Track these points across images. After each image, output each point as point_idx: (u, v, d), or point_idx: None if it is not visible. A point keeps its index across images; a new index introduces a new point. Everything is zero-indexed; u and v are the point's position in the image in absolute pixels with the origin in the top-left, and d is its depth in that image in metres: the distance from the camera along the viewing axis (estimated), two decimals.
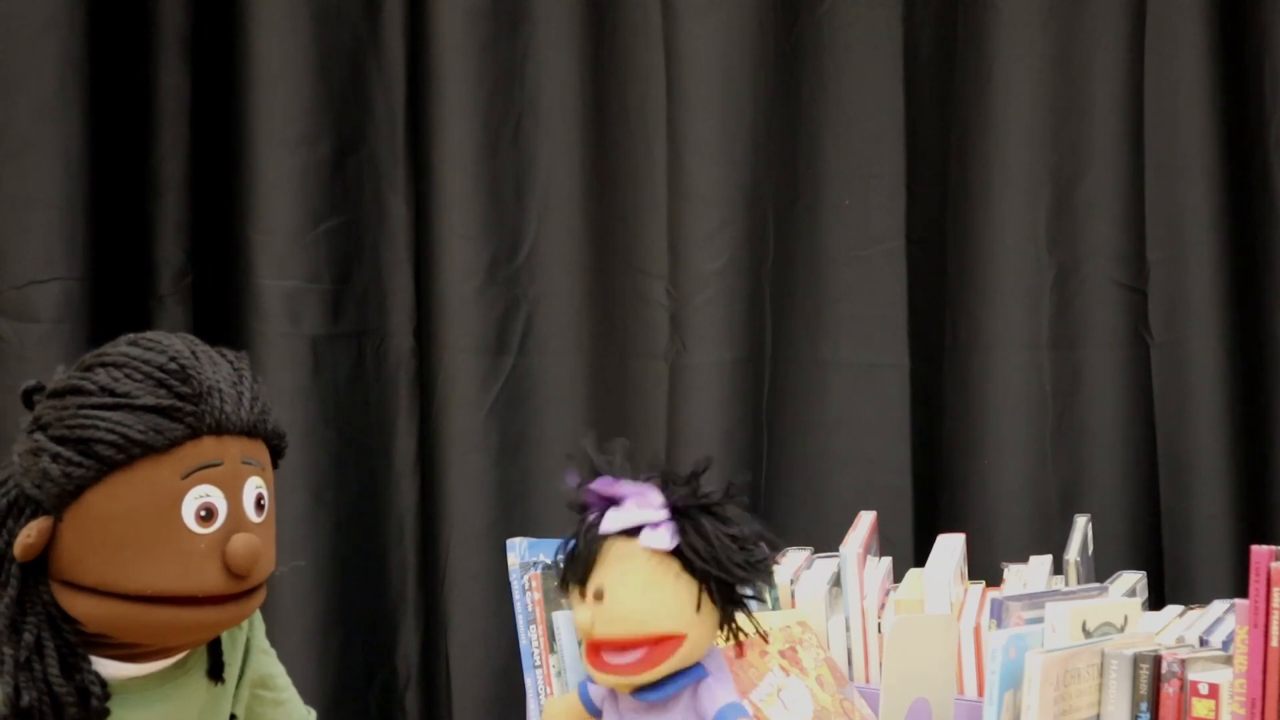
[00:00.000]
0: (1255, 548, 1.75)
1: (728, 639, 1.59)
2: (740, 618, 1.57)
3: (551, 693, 1.96)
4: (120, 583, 1.30)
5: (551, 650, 1.96)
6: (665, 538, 1.52)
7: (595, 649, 1.55)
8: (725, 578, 1.53)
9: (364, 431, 2.56)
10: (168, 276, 2.48)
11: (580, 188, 2.56)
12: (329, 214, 2.51)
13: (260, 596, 1.38)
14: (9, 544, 1.32)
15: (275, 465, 1.43)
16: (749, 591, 1.56)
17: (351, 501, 2.54)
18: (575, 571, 1.55)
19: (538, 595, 1.97)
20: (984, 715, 1.77)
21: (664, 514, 1.53)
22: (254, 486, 1.36)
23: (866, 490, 2.51)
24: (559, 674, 1.96)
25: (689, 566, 1.53)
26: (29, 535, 1.30)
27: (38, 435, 1.32)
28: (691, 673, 1.56)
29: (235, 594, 1.34)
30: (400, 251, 2.57)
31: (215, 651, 1.45)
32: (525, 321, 2.56)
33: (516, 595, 1.99)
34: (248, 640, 1.50)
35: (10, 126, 2.35)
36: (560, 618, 1.96)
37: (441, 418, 2.54)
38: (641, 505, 1.54)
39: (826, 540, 2.19)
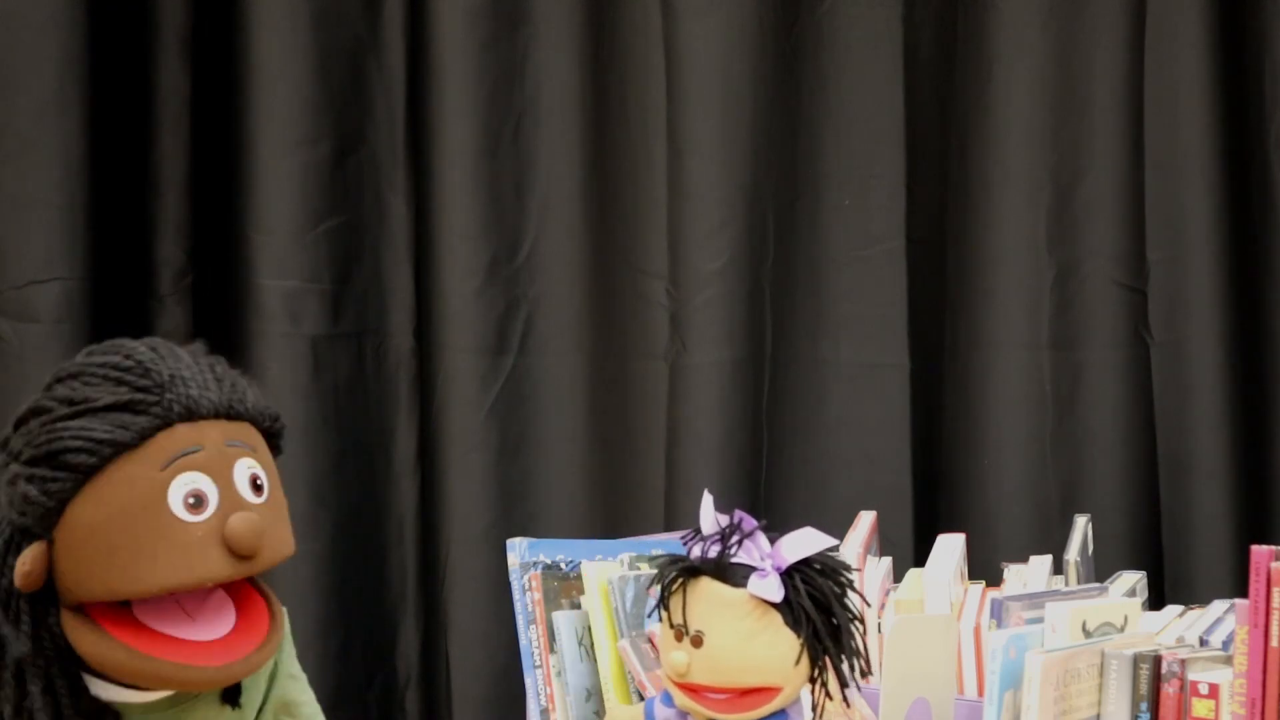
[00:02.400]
0: (1255, 548, 1.75)
1: (815, 696, 1.58)
2: (831, 674, 1.57)
3: (551, 693, 1.96)
4: (123, 587, 1.27)
5: (551, 650, 1.96)
6: (774, 589, 1.52)
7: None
8: (830, 640, 1.53)
9: (364, 431, 2.56)
10: (168, 276, 2.48)
11: (580, 188, 2.56)
12: (329, 214, 2.51)
13: (274, 643, 1.35)
14: (9, 586, 1.29)
15: (277, 449, 1.41)
16: (850, 651, 1.56)
17: (351, 501, 2.54)
18: (673, 609, 1.54)
19: (538, 595, 1.97)
20: (984, 715, 1.77)
21: (771, 562, 1.53)
22: (245, 467, 1.33)
23: (866, 490, 2.51)
24: (559, 674, 1.96)
25: (793, 620, 1.52)
26: (24, 563, 1.27)
27: (12, 466, 1.29)
28: (772, 717, 1.56)
29: (233, 661, 1.30)
30: (400, 251, 2.57)
31: None
32: (525, 321, 2.56)
33: (516, 595, 1.99)
34: (275, 665, 1.46)
35: (10, 126, 2.35)
36: (560, 618, 1.96)
37: (441, 418, 2.54)
38: (749, 551, 1.53)
39: None
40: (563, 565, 2.00)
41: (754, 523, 1.55)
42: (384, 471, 2.57)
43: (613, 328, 2.57)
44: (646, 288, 2.54)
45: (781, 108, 2.55)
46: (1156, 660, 1.77)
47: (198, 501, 1.29)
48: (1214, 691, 1.74)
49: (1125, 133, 2.49)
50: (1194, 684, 1.75)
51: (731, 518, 1.55)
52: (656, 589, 1.56)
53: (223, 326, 2.45)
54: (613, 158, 2.55)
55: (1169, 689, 1.76)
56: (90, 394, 1.28)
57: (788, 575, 1.52)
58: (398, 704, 2.58)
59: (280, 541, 1.35)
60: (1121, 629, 1.88)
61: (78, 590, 1.29)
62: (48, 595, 1.30)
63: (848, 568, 1.57)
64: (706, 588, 1.53)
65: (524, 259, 2.56)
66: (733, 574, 1.53)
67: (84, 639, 1.29)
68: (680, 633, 1.54)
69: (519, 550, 1.99)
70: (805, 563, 1.53)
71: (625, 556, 1.99)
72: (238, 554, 1.29)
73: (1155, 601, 2.26)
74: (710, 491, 1.57)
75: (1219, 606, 1.98)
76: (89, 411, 1.27)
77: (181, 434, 1.29)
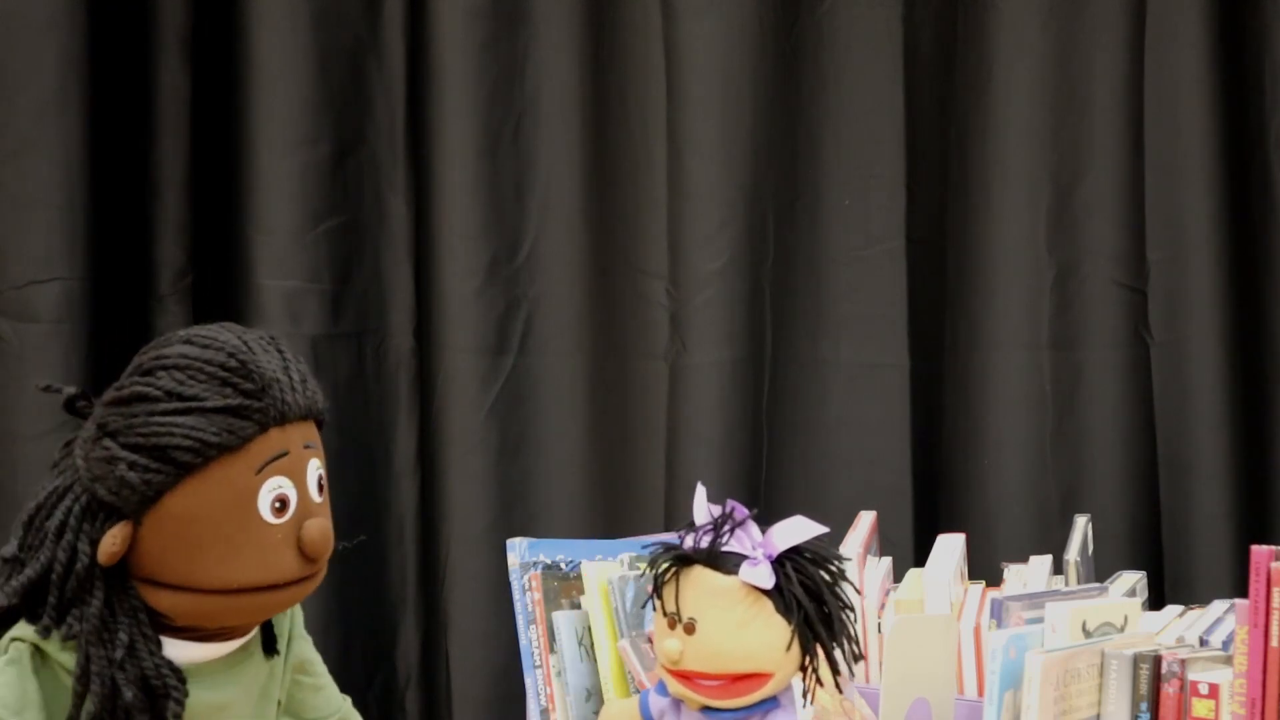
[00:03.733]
0: (1255, 548, 1.75)
1: (806, 683, 1.59)
2: (821, 660, 1.58)
3: (551, 693, 1.96)
4: (203, 580, 1.33)
5: (551, 650, 1.96)
6: (765, 576, 1.53)
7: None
8: (822, 626, 1.54)
9: (364, 431, 2.56)
10: (168, 276, 2.48)
11: (580, 188, 2.56)
12: (329, 214, 2.51)
13: (321, 573, 1.41)
14: (89, 548, 1.33)
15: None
16: (840, 638, 1.57)
17: (351, 501, 2.54)
18: (666, 598, 1.56)
19: (538, 595, 1.97)
20: (984, 715, 1.77)
21: (763, 551, 1.54)
22: (315, 469, 1.38)
23: (866, 490, 2.51)
24: (559, 674, 1.96)
25: (784, 607, 1.53)
26: (113, 543, 1.32)
27: (107, 443, 1.33)
28: (764, 703, 1.56)
29: (300, 579, 1.37)
30: (400, 251, 2.57)
31: (268, 628, 1.47)
32: (525, 321, 2.56)
33: (516, 595, 1.99)
34: (290, 625, 1.52)
35: (10, 126, 2.35)
36: (560, 618, 1.96)
37: (441, 418, 2.54)
38: (741, 540, 1.55)
39: (827, 540, 2.19)
40: (563, 565, 2.00)
41: (745, 512, 1.56)
42: (384, 471, 2.57)
43: (613, 328, 2.57)
44: (646, 288, 2.54)
45: (781, 108, 2.55)
46: (1156, 660, 1.77)
47: (282, 505, 1.35)
48: (1214, 691, 1.74)
49: (1125, 133, 2.49)
50: (1194, 684, 1.75)
51: (724, 507, 1.56)
52: (650, 578, 1.58)
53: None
54: (613, 158, 2.55)
55: (1169, 689, 1.76)
56: (199, 392, 1.32)
57: (779, 563, 1.54)
58: (398, 704, 2.58)
59: (332, 539, 1.42)
60: (1121, 629, 1.88)
61: (153, 570, 1.34)
62: (119, 564, 1.35)
63: (838, 556, 1.60)
64: (699, 576, 1.55)
65: (524, 259, 2.56)
66: (725, 562, 1.54)
67: (163, 598, 1.34)
68: (673, 621, 1.55)
69: (519, 550, 1.99)
70: (796, 551, 1.55)
71: (625, 556, 1.99)
72: (309, 557, 1.36)
73: (1155, 601, 2.26)
74: (711, 491, 1.58)
75: (1219, 606, 1.98)
76: (198, 411, 1.32)
77: (274, 439, 1.35)
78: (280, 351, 1.39)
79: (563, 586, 1.99)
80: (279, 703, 1.50)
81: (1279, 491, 2.45)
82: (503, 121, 2.54)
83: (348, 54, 2.53)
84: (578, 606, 1.98)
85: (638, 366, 2.55)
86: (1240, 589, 1.81)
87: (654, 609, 1.59)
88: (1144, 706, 1.77)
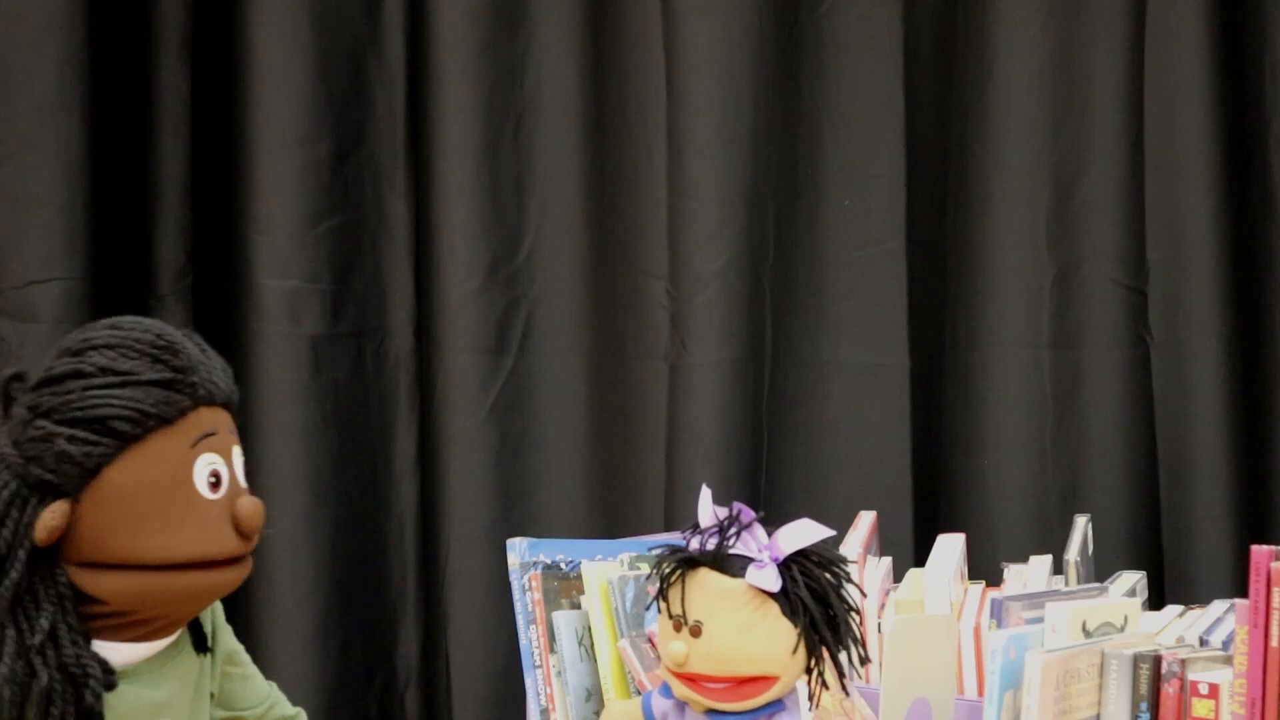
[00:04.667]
0: (1255, 548, 1.75)
1: (812, 686, 1.60)
2: (827, 664, 1.58)
3: (551, 693, 1.96)
4: (145, 554, 1.35)
5: (551, 650, 1.97)
6: (771, 579, 1.53)
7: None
8: (828, 630, 1.54)
9: (364, 431, 2.56)
10: (168, 276, 2.48)
11: (580, 188, 2.56)
12: (329, 214, 2.51)
13: (251, 561, 1.43)
14: (14, 534, 1.34)
15: None
16: (846, 641, 1.57)
17: (351, 501, 2.54)
18: (671, 600, 1.56)
19: (538, 595, 1.97)
20: (984, 715, 1.77)
21: (769, 554, 1.54)
22: (238, 455, 1.42)
23: (866, 490, 2.51)
24: (559, 674, 1.96)
25: (790, 610, 1.53)
26: (53, 518, 1.33)
27: (40, 422, 1.35)
28: (769, 706, 1.56)
29: (242, 556, 1.40)
30: (400, 251, 2.57)
31: (197, 625, 1.49)
32: (525, 321, 2.56)
33: (516, 595, 1.99)
34: (213, 618, 1.53)
35: (10, 126, 2.35)
36: (560, 618, 1.96)
37: (441, 418, 2.54)
38: (747, 543, 1.55)
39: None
40: (563, 565, 2.00)
41: (752, 514, 1.56)
42: (384, 471, 2.58)
43: (613, 328, 2.57)
44: (646, 288, 2.54)
45: (781, 108, 2.55)
46: (1156, 660, 1.77)
47: (216, 480, 1.38)
48: (1214, 691, 1.74)
49: (1125, 133, 2.49)
50: (1194, 684, 1.75)
51: (730, 509, 1.56)
52: (655, 580, 1.57)
53: (223, 326, 2.45)
54: (613, 158, 2.55)
55: (1169, 689, 1.76)
56: (132, 367, 1.36)
57: (785, 566, 1.54)
58: (398, 704, 2.58)
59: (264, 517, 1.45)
60: (1121, 629, 1.88)
61: (92, 550, 1.35)
62: (49, 550, 1.35)
63: (844, 559, 1.59)
64: (705, 578, 1.55)
65: (524, 259, 2.56)
66: (731, 565, 1.54)
67: (103, 581, 1.36)
68: (679, 623, 1.55)
69: (519, 550, 1.99)
70: (802, 554, 1.55)
71: (625, 556, 1.99)
72: (244, 533, 1.39)
73: (1155, 601, 2.26)
74: (711, 491, 1.58)
75: (1219, 606, 1.98)
76: (134, 384, 1.35)
77: (204, 417, 1.38)
78: (197, 343, 1.42)
79: (563, 586, 1.99)
80: (211, 695, 1.52)
81: (1279, 491, 2.45)
82: (503, 121, 2.54)
83: (348, 54, 2.53)
84: (578, 606, 1.98)
85: (638, 366, 2.55)
86: (1240, 589, 1.81)
87: (659, 611, 1.59)
88: (1144, 706, 1.77)
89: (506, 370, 2.55)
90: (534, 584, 1.97)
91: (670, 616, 1.56)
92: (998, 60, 2.49)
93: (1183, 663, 1.76)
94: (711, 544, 1.55)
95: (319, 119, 2.50)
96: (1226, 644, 1.83)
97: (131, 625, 1.38)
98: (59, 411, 1.34)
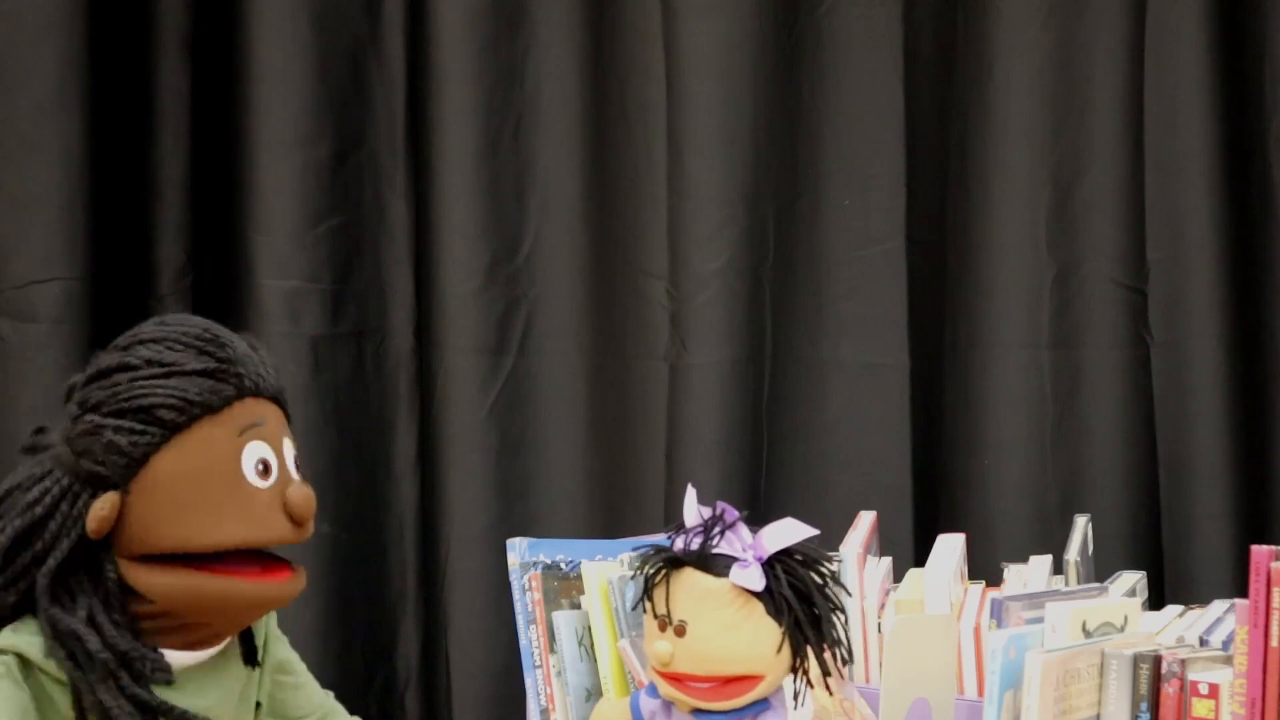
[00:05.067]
0: (1255, 548, 1.75)
1: (797, 683, 1.60)
2: (812, 662, 1.58)
3: (551, 693, 1.96)
4: (196, 540, 1.36)
5: (551, 650, 1.97)
6: (756, 578, 1.53)
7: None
8: (812, 629, 1.54)
9: (364, 431, 2.56)
10: (168, 276, 2.48)
11: (580, 188, 2.56)
12: (329, 214, 2.51)
13: (303, 578, 1.44)
14: (61, 527, 1.35)
15: None
16: (832, 639, 1.57)
17: (351, 501, 2.54)
18: (656, 600, 1.56)
19: (538, 595, 1.97)
20: (984, 715, 1.77)
21: (753, 553, 1.54)
22: (290, 447, 1.43)
23: (866, 490, 2.51)
24: (559, 674, 1.96)
25: (774, 609, 1.53)
26: (103, 508, 1.34)
27: (90, 416, 1.36)
28: (755, 705, 1.57)
29: (291, 571, 1.41)
30: (400, 251, 2.57)
31: (248, 638, 1.49)
32: (525, 321, 2.56)
33: (516, 595, 1.99)
34: (267, 628, 1.54)
35: (10, 126, 2.35)
36: (560, 617, 1.96)
37: (441, 418, 2.54)
38: (731, 542, 1.55)
39: (826, 540, 2.19)
40: (563, 565, 2.00)
41: (735, 514, 1.56)
42: (384, 471, 2.58)
43: (613, 328, 2.57)
44: (646, 288, 2.54)
45: (781, 108, 2.55)
46: (1156, 660, 1.77)
47: (265, 469, 1.39)
48: (1214, 691, 1.74)
49: (1125, 133, 2.49)
50: (1194, 684, 1.75)
51: (714, 509, 1.57)
52: (640, 580, 1.58)
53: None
54: (613, 158, 2.55)
55: (1169, 689, 1.76)
56: (177, 358, 1.38)
57: (769, 565, 1.54)
58: (398, 704, 2.58)
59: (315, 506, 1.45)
60: (1121, 629, 1.88)
61: (144, 541, 1.36)
62: (101, 543, 1.36)
63: (828, 558, 1.60)
64: (689, 578, 1.55)
65: (524, 259, 2.56)
66: (715, 564, 1.55)
67: (154, 577, 1.36)
68: (664, 623, 1.56)
69: (519, 550, 2.00)
70: (786, 553, 1.55)
71: (625, 556, 1.99)
72: (296, 520, 1.40)
73: (1155, 601, 2.26)
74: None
75: (1219, 606, 1.98)
76: (179, 373, 1.37)
77: (251, 407, 1.40)
78: (247, 340, 1.45)
79: (563, 586, 1.99)
80: (258, 704, 1.52)
81: (1279, 491, 2.45)
82: (503, 122, 2.54)
83: (348, 54, 2.53)
84: (578, 606, 1.98)
85: (638, 366, 2.55)
86: (1240, 589, 1.81)
87: (644, 611, 1.59)
88: (1144, 706, 1.77)
89: (506, 370, 2.55)
90: (534, 584, 1.97)
91: (655, 616, 1.57)
92: (998, 60, 2.49)
93: (1183, 663, 1.76)
94: (696, 543, 1.55)
95: (319, 119, 2.50)
96: (1226, 644, 1.83)
97: (179, 630, 1.39)
98: (107, 404, 1.36)
